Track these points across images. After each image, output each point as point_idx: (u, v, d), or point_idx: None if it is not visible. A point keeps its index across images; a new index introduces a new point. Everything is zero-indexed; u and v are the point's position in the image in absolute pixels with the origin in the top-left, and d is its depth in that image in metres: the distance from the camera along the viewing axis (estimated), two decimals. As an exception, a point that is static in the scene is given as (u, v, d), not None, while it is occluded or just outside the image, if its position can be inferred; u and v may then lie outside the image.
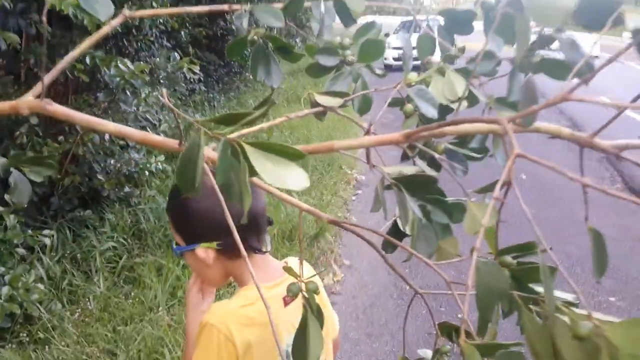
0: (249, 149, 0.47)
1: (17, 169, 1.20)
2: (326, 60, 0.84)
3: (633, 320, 0.45)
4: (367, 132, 0.69)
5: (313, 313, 0.65)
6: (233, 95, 7.70)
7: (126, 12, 0.71)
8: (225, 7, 0.82)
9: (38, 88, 0.68)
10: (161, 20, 3.64)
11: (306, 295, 0.66)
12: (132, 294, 2.57)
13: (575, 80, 0.47)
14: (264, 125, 0.64)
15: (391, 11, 44.45)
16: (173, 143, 0.66)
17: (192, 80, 5.33)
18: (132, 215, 3.26)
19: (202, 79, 6.01)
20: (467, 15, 0.81)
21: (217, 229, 0.99)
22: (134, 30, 3.50)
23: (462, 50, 0.84)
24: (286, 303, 0.98)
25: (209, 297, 1.13)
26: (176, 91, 4.15)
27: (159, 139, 0.69)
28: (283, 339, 0.98)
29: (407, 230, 0.72)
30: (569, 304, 0.54)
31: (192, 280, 1.14)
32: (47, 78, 0.67)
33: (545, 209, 4.16)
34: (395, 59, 14.24)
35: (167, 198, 1.14)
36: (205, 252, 1.00)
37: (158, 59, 3.62)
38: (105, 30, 0.79)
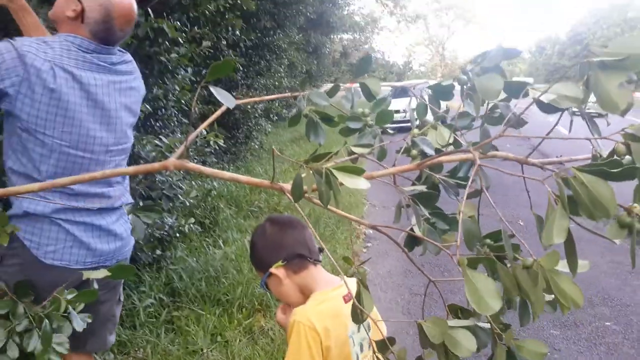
0: (335, 171, 0.83)
1: (134, 214, 1.59)
2: (354, 125, 1.23)
3: (552, 252, 0.81)
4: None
5: (364, 287, 0.99)
6: (241, 164, 8.13)
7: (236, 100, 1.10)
8: (288, 94, 1.22)
9: (180, 150, 1.06)
10: (183, 100, 4.09)
11: (359, 276, 1.01)
12: (177, 341, 2.87)
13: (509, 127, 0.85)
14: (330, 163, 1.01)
15: (382, 77, 46.04)
16: (267, 182, 1.03)
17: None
18: (165, 275, 3.58)
19: (212, 150, 6.47)
20: (448, 88, 1.20)
21: (282, 254, 1.36)
22: (158, 111, 3.95)
23: (447, 111, 1.24)
24: (346, 300, 1.35)
25: (290, 314, 1.49)
26: (205, 163, 4.56)
27: (259, 180, 1.07)
28: (348, 326, 1.32)
29: (420, 233, 1.08)
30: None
31: (278, 311, 1.49)
32: (187, 143, 1.05)
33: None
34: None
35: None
36: (277, 271, 1.36)
37: (182, 134, 4.06)
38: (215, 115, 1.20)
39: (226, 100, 1.00)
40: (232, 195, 5.98)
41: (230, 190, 6.10)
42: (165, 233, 3.62)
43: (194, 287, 3.45)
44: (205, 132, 3.52)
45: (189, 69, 3.99)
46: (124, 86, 1.71)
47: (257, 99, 1.39)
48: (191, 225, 3.76)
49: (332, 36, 21.12)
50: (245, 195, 6.08)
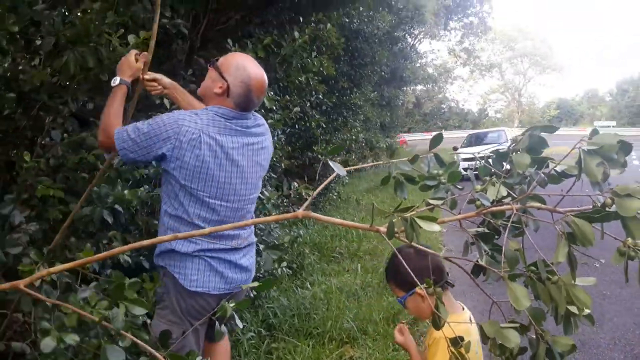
0: (416, 218, 1.26)
1: (265, 251, 2.08)
2: (430, 182, 1.65)
3: (569, 273, 1.18)
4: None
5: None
6: (320, 213, 8.59)
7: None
8: (381, 162, 1.69)
9: (307, 203, 1.52)
10: (274, 158, 4.64)
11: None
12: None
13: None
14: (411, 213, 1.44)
15: (456, 125, 45.99)
16: (367, 226, 1.47)
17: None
18: (262, 313, 4.05)
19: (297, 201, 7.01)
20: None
21: (426, 276, 1.74)
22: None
23: (507, 171, 1.64)
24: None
25: (407, 334, 1.87)
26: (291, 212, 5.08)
27: (360, 224, 1.50)
28: (474, 347, 1.60)
29: (483, 263, 1.46)
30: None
31: (396, 333, 1.87)
32: (311, 198, 1.51)
33: (617, 288, 4.77)
34: (464, 169, 14.93)
35: (386, 272, 1.93)
36: (422, 291, 1.68)
37: (274, 188, 4.62)
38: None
39: (339, 169, 1.47)
40: (315, 242, 6.45)
41: (313, 238, 6.59)
42: (260, 275, 4.12)
43: (287, 323, 3.89)
44: (297, 186, 4.03)
45: (280, 131, 4.57)
46: (257, 147, 2.16)
47: (357, 166, 1.85)
48: (283, 268, 4.24)
49: (405, 88, 21.68)
50: (327, 242, 6.53)
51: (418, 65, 24.85)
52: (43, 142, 2.77)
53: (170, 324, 2.07)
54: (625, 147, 1.18)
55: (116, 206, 2.51)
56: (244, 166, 2.11)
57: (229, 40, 3.71)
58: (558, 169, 1.21)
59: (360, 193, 12.12)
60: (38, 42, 2.72)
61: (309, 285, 4.77)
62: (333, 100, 7.34)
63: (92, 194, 2.38)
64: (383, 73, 11.17)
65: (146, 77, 2.21)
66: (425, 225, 1.25)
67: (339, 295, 4.47)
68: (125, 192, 2.48)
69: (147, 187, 2.73)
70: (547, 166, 1.26)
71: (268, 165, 2.31)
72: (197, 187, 2.02)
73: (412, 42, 21.43)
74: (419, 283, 1.42)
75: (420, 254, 1.77)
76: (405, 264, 1.62)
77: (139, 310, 1.59)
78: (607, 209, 1.10)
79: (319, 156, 8.14)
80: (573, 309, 1.26)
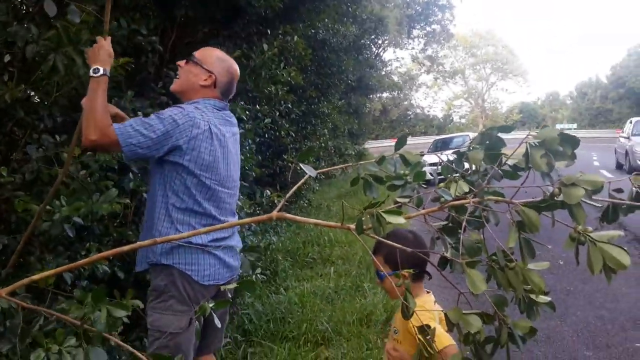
0: (383, 213, 1.37)
1: (242, 254, 2.15)
2: (398, 182, 1.77)
3: (522, 260, 1.31)
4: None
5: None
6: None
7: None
8: (350, 164, 1.80)
9: (280, 205, 1.62)
10: (247, 167, 4.72)
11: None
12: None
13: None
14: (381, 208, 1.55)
15: (422, 131, 46.69)
16: (338, 224, 1.57)
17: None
18: (238, 319, 4.11)
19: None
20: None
21: (411, 263, 1.82)
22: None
23: (467, 170, 1.77)
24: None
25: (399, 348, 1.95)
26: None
27: (333, 223, 1.61)
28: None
29: (448, 255, 1.58)
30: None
31: (389, 347, 1.97)
32: (282, 202, 1.61)
33: (580, 284, 4.99)
34: (430, 173, 15.24)
35: (377, 245, 1.93)
36: (407, 275, 1.81)
37: (246, 196, 4.69)
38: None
39: (310, 171, 1.58)
40: (287, 249, 6.53)
41: (285, 244, 6.67)
42: (238, 282, 4.17)
43: (263, 328, 3.96)
44: (269, 193, 4.12)
45: (251, 140, 4.65)
46: (237, 136, 2.32)
47: (327, 169, 1.96)
48: (258, 274, 4.31)
49: (371, 96, 21.99)
50: (299, 248, 6.62)
51: (383, 73, 25.25)
52: (17, 158, 2.79)
53: (179, 314, 2.10)
54: (569, 139, 1.30)
55: (75, 219, 2.50)
56: (233, 154, 2.25)
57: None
58: (510, 162, 1.34)
59: (331, 200, 12.24)
60: (7, 58, 2.75)
61: (283, 291, 4.85)
62: (302, 109, 7.47)
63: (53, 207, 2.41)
64: (350, 81, 11.37)
65: None
66: (391, 219, 1.36)
67: (313, 299, 4.57)
68: (79, 203, 2.47)
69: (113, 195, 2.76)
70: (501, 162, 1.39)
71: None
72: (210, 175, 2.12)
73: (377, 51, 21.79)
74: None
75: (417, 240, 1.96)
76: (399, 243, 1.62)
77: (121, 312, 1.65)
78: (555, 198, 1.23)
79: (289, 164, 8.24)
80: (534, 296, 1.39)
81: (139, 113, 3.12)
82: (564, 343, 3.88)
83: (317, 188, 11.07)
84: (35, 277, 1.75)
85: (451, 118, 59.10)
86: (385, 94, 31.29)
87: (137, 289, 3.85)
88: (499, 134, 1.55)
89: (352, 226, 1.53)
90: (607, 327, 4.12)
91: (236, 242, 2.28)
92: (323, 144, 9.98)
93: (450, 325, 1.43)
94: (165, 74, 3.93)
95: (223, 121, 2.20)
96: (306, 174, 1.61)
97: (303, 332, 3.81)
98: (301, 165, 1.65)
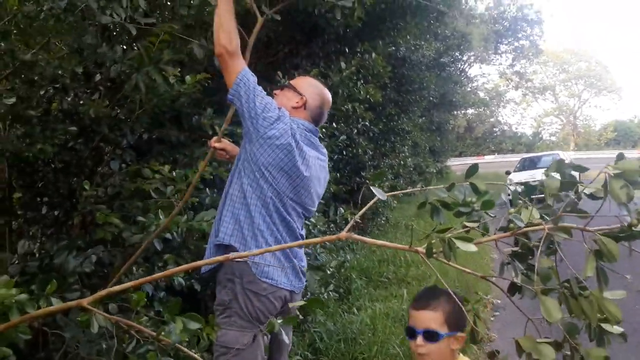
0: (454, 239, 1.32)
1: (309, 271, 2.16)
2: (464, 209, 1.70)
3: (598, 288, 1.22)
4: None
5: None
6: (369, 237, 8.63)
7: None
8: (418, 189, 1.76)
9: (349, 225, 1.60)
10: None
11: None
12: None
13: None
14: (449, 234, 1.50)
15: (510, 149, 45.09)
16: (407, 247, 1.53)
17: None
18: (308, 337, 4.11)
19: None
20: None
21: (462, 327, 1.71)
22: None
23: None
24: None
25: None
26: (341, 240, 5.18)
27: (401, 245, 1.58)
28: None
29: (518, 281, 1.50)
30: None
31: None
32: (353, 221, 1.60)
33: None
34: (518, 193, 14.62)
35: (438, 300, 1.74)
36: (461, 338, 1.70)
37: (321, 213, 4.72)
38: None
39: (380, 194, 1.55)
40: (362, 267, 6.48)
41: (360, 262, 6.63)
42: (306, 300, 4.20)
43: (334, 348, 3.94)
44: (342, 211, 4.12)
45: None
46: (321, 164, 2.25)
47: (397, 192, 1.93)
48: (330, 292, 4.31)
49: (455, 112, 21.56)
50: (374, 267, 6.55)
51: (469, 89, 24.70)
52: (102, 172, 2.98)
53: (242, 329, 2.09)
54: None
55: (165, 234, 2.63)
56: (309, 177, 2.16)
57: (279, 72, 3.88)
58: (587, 191, 1.26)
59: (409, 218, 12.05)
60: (97, 78, 2.94)
61: (355, 310, 4.81)
62: (380, 127, 7.45)
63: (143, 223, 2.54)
64: (431, 98, 11.21)
65: (217, 145, 2.38)
66: (462, 245, 1.32)
67: (385, 321, 4.49)
68: (179, 218, 2.61)
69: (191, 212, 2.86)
70: (577, 190, 1.30)
71: (323, 190, 2.33)
72: (291, 195, 2.14)
73: (461, 67, 21.36)
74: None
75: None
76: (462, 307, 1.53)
77: (194, 325, 1.70)
78: (633, 228, 1.15)
79: (367, 181, 8.22)
80: (606, 326, 1.30)
81: (217, 129, 3.24)
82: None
83: (395, 205, 10.94)
84: (115, 288, 1.84)
85: (540, 135, 56.64)
86: (470, 111, 30.55)
87: (213, 300, 3.97)
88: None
89: (422, 249, 1.49)
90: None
91: (299, 260, 2.26)
92: (402, 162, 9.87)
93: (520, 352, 1.36)
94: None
95: (309, 142, 2.19)
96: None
97: (374, 355, 3.75)
98: (371, 187, 1.63)
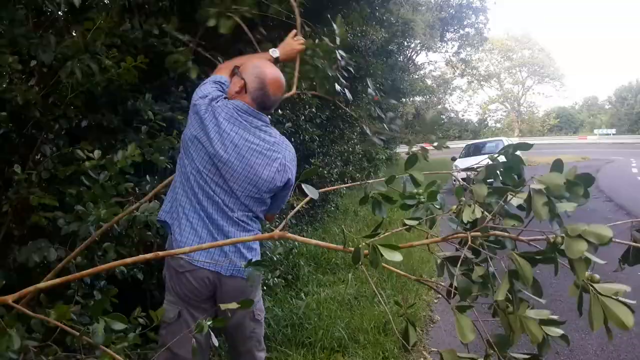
0: (379, 246, 1.32)
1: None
2: (410, 202, 1.71)
3: (524, 303, 1.24)
4: (426, 236, 1.55)
5: (411, 324, 1.45)
6: (318, 225, 8.66)
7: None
8: (357, 183, 1.76)
9: (283, 224, 1.59)
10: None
11: None
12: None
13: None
14: (381, 236, 1.51)
15: (457, 136, 46.18)
16: (341, 247, 1.53)
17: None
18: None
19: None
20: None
21: None
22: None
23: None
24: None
25: None
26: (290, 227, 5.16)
27: (334, 245, 1.57)
28: None
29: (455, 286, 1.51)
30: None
31: None
32: (285, 221, 1.59)
33: None
34: (463, 180, 14.97)
35: None
36: None
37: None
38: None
39: (313, 193, 1.54)
40: (311, 253, 6.50)
41: (309, 249, 6.64)
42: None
43: (281, 333, 3.94)
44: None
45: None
46: (257, 149, 2.10)
47: (332, 187, 1.93)
48: (275, 278, 4.30)
49: (403, 100, 21.82)
50: (323, 253, 6.57)
51: (416, 77, 25.01)
52: (35, 157, 2.85)
53: (168, 304, 2.14)
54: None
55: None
56: (228, 158, 2.08)
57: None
58: (514, 202, 1.28)
59: (358, 204, 12.16)
60: (33, 63, 2.81)
61: (303, 296, 4.83)
62: (327, 113, 7.43)
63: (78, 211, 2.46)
64: (379, 85, 11.28)
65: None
66: (388, 254, 1.31)
67: (331, 305, 4.53)
68: (117, 208, 2.54)
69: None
70: (506, 199, 1.30)
71: (266, 184, 2.14)
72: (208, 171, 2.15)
73: (409, 54, 21.59)
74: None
75: None
76: None
77: (119, 325, 1.64)
78: (558, 246, 1.14)
79: (317, 167, 8.20)
80: (547, 329, 1.29)
81: (158, 116, 3.15)
82: (586, 357, 3.75)
83: (344, 192, 11.01)
84: (41, 285, 1.77)
85: (486, 122, 58.28)
86: (418, 98, 30.98)
87: (158, 290, 3.89)
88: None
89: (351, 249, 1.49)
90: (633, 341, 3.96)
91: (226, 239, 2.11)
92: (351, 149, 9.91)
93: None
94: (187, 78, 3.95)
95: (238, 122, 2.09)
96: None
97: (319, 339, 3.78)
98: (303, 186, 1.62)
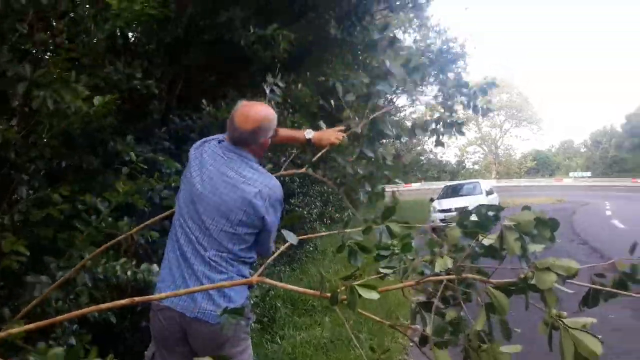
0: (358, 287, 1.35)
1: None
2: (384, 253, 1.74)
3: (496, 343, 1.27)
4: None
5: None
6: (296, 265, 8.62)
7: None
8: (336, 232, 1.78)
9: (261, 270, 1.60)
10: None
11: None
12: None
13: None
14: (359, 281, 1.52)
15: (435, 177, 46.72)
16: (317, 293, 1.55)
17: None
18: None
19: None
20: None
21: None
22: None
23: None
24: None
25: None
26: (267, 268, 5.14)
27: (311, 291, 1.59)
28: None
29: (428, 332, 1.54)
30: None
31: None
32: (263, 267, 1.60)
33: None
34: (441, 220, 15.12)
35: None
36: None
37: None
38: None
39: (292, 239, 1.56)
40: (288, 295, 6.44)
41: (286, 290, 6.58)
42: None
43: (256, 380, 3.87)
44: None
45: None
46: (228, 181, 2.08)
47: (312, 235, 1.95)
48: (252, 323, 4.24)
49: (384, 141, 22.10)
50: (300, 295, 6.52)
51: (397, 119, 25.42)
52: (12, 198, 2.82)
53: (152, 342, 2.19)
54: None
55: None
56: (202, 191, 2.10)
57: (204, 101, 3.85)
58: (486, 242, 1.32)
59: (337, 245, 12.13)
60: (15, 103, 2.81)
61: (279, 340, 4.77)
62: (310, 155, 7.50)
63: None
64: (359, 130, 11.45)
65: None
66: (366, 294, 1.34)
67: (307, 349, 4.48)
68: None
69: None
70: (478, 239, 1.36)
71: (233, 214, 2.07)
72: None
73: (390, 97, 21.96)
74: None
75: None
76: None
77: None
78: (529, 281, 1.20)
79: (296, 208, 8.23)
80: None
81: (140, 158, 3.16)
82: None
83: (323, 229, 11.02)
84: (13, 330, 1.73)
85: (464, 164, 59.13)
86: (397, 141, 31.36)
87: (131, 333, 3.80)
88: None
89: (328, 295, 1.51)
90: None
91: (194, 281, 2.05)
92: (331, 189, 9.98)
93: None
94: (171, 120, 3.99)
95: (219, 158, 2.13)
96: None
97: (295, 384, 3.73)
98: (283, 232, 1.64)
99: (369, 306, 6.47)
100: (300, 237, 1.78)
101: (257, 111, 2.18)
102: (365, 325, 5.35)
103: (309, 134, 2.51)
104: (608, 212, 19.23)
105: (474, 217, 1.54)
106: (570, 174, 58.44)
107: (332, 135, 2.56)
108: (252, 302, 4.42)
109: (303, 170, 2.61)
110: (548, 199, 29.08)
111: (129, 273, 2.83)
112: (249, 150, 2.18)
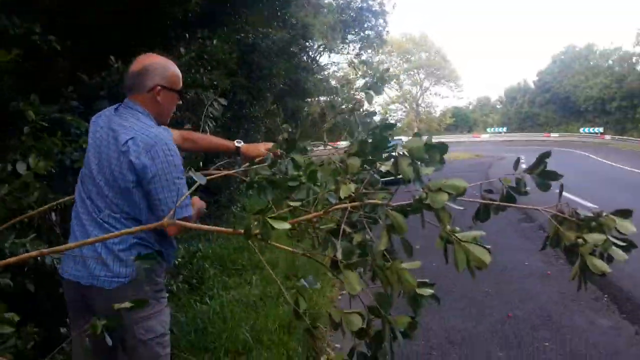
0: (269, 220, 1.37)
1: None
2: (292, 184, 1.76)
3: (397, 260, 1.34)
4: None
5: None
6: (224, 226, 8.56)
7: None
8: (241, 170, 1.79)
9: (171, 212, 1.59)
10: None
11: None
12: None
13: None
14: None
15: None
16: (231, 230, 1.56)
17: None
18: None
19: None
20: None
21: None
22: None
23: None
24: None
25: None
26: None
27: (225, 229, 1.60)
28: None
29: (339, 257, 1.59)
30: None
31: None
32: (178, 205, 1.58)
33: (498, 285, 5.22)
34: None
35: None
36: None
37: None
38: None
39: (200, 179, 1.56)
40: (216, 255, 6.43)
41: (215, 251, 6.57)
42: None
43: (185, 339, 3.87)
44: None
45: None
46: (111, 134, 2.00)
47: (216, 175, 1.95)
48: (179, 284, 4.21)
49: (308, 100, 22.12)
50: (229, 254, 6.53)
51: (321, 77, 25.42)
52: None
53: None
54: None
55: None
56: (96, 151, 2.05)
57: (111, 57, 3.69)
58: (383, 169, 1.39)
59: (265, 203, 12.13)
60: None
61: (207, 300, 4.77)
62: (230, 114, 7.39)
63: None
64: (282, 85, 11.36)
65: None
66: (277, 225, 1.38)
67: (236, 307, 4.52)
68: None
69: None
70: (377, 167, 1.43)
71: (115, 163, 1.95)
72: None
73: (312, 55, 21.90)
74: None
75: None
76: None
77: (6, 329, 1.59)
78: (423, 201, 1.28)
79: (220, 169, 8.12)
80: (420, 290, 1.41)
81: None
82: (478, 344, 4.02)
83: (251, 193, 10.99)
84: None
85: (387, 122, 60.32)
86: (323, 98, 31.46)
87: (51, 301, 3.67)
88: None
89: (242, 231, 1.53)
90: (519, 326, 4.30)
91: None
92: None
93: (335, 325, 1.46)
94: (78, 78, 3.80)
95: (109, 113, 2.10)
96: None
97: (223, 343, 3.75)
98: (190, 173, 1.63)
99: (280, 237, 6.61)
100: (210, 177, 1.78)
101: (148, 56, 2.10)
102: (294, 281, 5.44)
103: (238, 143, 2.51)
104: (523, 165, 20.33)
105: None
106: (487, 129, 61.21)
107: (261, 146, 2.52)
108: (177, 262, 4.37)
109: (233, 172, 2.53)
110: (466, 154, 30.36)
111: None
112: (140, 101, 2.05)
